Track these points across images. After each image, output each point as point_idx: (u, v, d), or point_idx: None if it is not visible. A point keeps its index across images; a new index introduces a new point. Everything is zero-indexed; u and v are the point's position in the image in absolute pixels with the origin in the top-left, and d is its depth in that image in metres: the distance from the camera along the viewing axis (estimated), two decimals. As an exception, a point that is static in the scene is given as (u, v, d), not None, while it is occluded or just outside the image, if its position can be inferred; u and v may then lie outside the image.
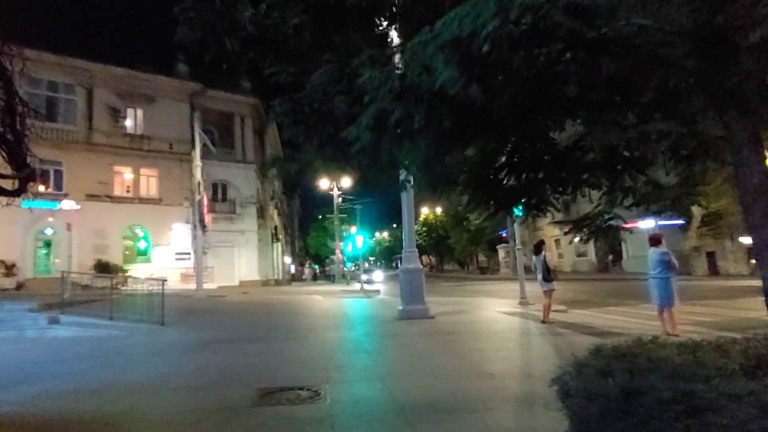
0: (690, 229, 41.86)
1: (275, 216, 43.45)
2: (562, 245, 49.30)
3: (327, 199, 41.07)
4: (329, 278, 50.51)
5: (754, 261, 37.21)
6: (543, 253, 10.03)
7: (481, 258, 58.98)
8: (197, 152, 18.97)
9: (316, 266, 71.94)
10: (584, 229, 4.52)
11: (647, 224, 42.92)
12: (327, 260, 60.71)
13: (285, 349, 7.45)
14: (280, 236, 45.69)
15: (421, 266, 11.52)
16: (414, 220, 11.84)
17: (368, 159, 3.30)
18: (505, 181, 3.90)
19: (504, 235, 51.86)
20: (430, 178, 3.70)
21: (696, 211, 40.93)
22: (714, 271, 39.91)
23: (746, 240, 39.35)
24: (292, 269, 59.17)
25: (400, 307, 11.14)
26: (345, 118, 2.97)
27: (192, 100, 31.08)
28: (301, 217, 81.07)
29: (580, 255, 48.08)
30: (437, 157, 3.25)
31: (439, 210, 66.50)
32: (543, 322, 9.86)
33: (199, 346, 7.83)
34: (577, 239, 4.78)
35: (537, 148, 3.59)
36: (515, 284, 32.10)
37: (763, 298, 2.99)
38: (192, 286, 22.05)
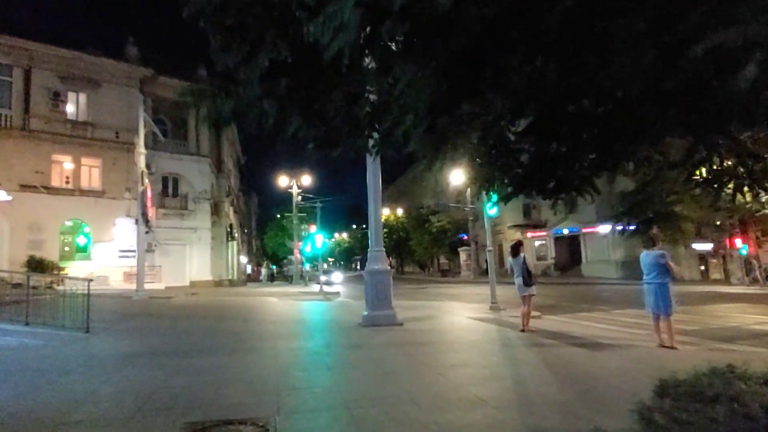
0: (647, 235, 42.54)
1: (231, 213, 41.52)
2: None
3: (286, 197, 39.52)
4: (287, 279, 48.82)
5: (702, 268, 38.07)
6: (522, 254, 9.14)
7: (443, 260, 58.57)
8: (141, 138, 17.29)
9: (274, 267, 69.87)
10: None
11: (605, 229, 43.54)
12: (285, 260, 58.86)
13: (230, 365, 6.22)
14: (236, 234, 43.73)
15: (389, 267, 10.45)
16: (381, 218, 10.76)
17: (342, 97, 2.21)
18: (533, 149, 2.85)
19: (465, 237, 51.61)
20: (430, 137, 2.59)
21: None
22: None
23: (699, 247, 40.39)
24: (249, 269, 57.07)
25: (365, 313, 10.03)
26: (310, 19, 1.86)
27: (142, 87, 29.03)
28: (259, 215, 78.71)
29: (539, 259, 48.17)
30: (450, 101, 2.19)
31: (400, 211, 65.79)
32: (522, 330, 8.97)
33: (125, 360, 6.48)
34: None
35: (592, 92, 2.47)
36: (478, 287, 31.67)
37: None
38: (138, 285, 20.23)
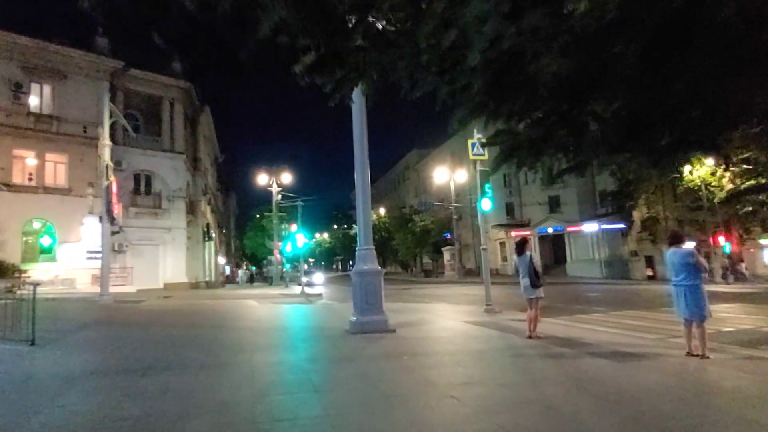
0: (630, 234, 42.46)
1: (208, 212, 40.06)
2: (507, 248, 48.85)
3: (266, 196, 38.28)
4: (267, 280, 47.46)
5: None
6: (528, 253, 8.25)
7: (426, 260, 57.82)
8: (105, 128, 15.99)
9: (254, 267, 68.25)
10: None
11: (591, 228, 43.26)
12: (265, 261, 57.38)
13: (197, 386, 5.18)
14: (214, 234, 42.22)
15: (380, 268, 9.48)
16: (370, 210, 9.78)
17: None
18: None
19: (449, 237, 50.96)
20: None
21: (636, 215, 41.63)
22: (652, 275, 40.59)
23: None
24: (227, 270, 55.50)
25: (353, 318, 9.04)
26: None
27: (113, 80, 27.53)
28: (238, 215, 76.90)
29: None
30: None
31: (382, 211, 64.96)
32: (529, 337, 8.08)
33: (69, 381, 5.39)
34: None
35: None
36: (464, 288, 30.86)
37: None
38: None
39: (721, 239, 34.88)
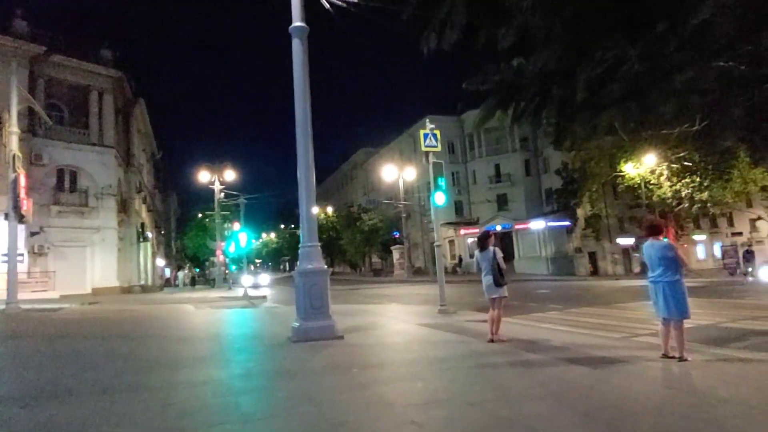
0: (575, 231, 43.39)
1: (143, 211, 37.60)
2: (457, 246, 48.86)
3: (208, 195, 36.32)
4: (209, 283, 45.22)
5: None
6: (491, 248, 7.51)
7: (375, 259, 57.09)
8: (13, 113, 14.09)
9: (198, 270, 65.23)
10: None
11: (538, 225, 43.87)
12: (207, 262, 54.82)
13: (89, 420, 4.05)
14: (150, 235, 39.69)
15: (325, 267, 8.51)
16: (314, 200, 8.77)
17: None
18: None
19: (398, 235, 50.42)
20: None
21: (580, 213, 42.58)
22: (595, 271, 41.63)
23: (623, 241, 41.60)
24: (167, 273, 52.62)
25: (296, 324, 8.01)
26: None
27: (32, 66, 25.08)
28: (179, 215, 73.38)
29: (472, 256, 47.91)
30: None
31: (330, 210, 63.75)
32: (491, 340, 7.35)
33: None
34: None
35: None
36: (414, 287, 30.20)
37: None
38: (24, 295, 16.84)
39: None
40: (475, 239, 8.21)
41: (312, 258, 8.22)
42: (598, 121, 4.91)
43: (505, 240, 46.49)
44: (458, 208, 51.42)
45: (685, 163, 33.08)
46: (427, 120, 12.57)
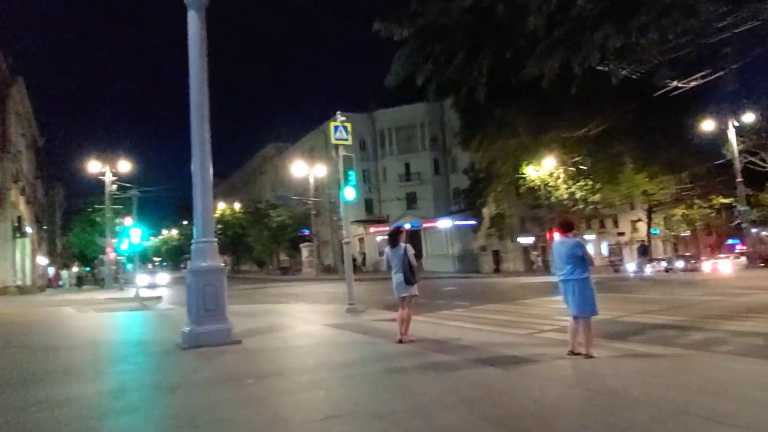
0: (480, 230, 44.99)
1: (21, 204, 33.52)
2: (367, 244, 48.84)
3: (98, 187, 33.16)
4: (98, 283, 41.43)
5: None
6: (403, 245, 7.16)
7: (283, 257, 55.58)
8: None
9: (88, 269, 59.62)
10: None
11: (445, 224, 44.94)
12: (96, 261, 50.22)
13: None
14: (29, 230, 35.46)
15: (222, 265, 7.73)
16: (212, 200, 7.94)
17: None
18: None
19: (307, 233, 49.36)
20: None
21: (486, 212, 44.24)
22: (498, 268, 43.50)
23: (524, 240, 43.80)
24: (50, 272, 47.54)
25: (186, 329, 7.16)
26: None
27: None
28: (66, 209, 66.60)
29: (382, 254, 48.12)
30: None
31: (237, 206, 61.26)
32: (400, 341, 7.00)
33: None
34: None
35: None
36: (323, 285, 29.55)
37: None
38: None
39: (556, 235, 38.22)
40: (386, 236, 7.86)
41: (206, 255, 7.40)
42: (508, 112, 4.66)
43: (414, 238, 47.23)
44: (368, 205, 51.43)
45: (580, 167, 35.44)
46: (338, 113, 12.06)
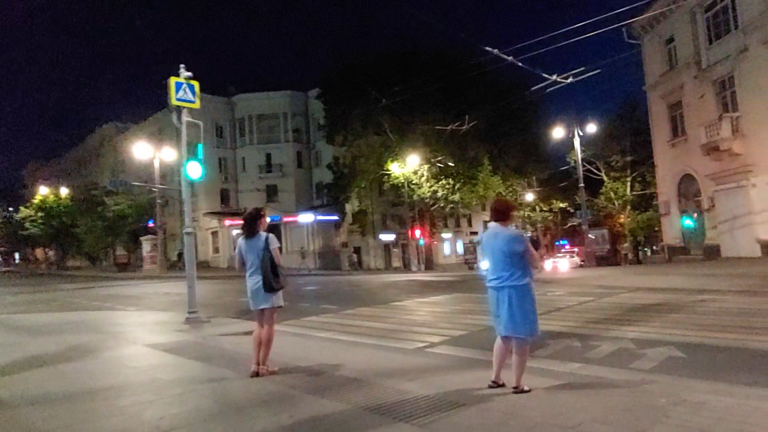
0: (343, 226, 43.67)
1: None
2: (221, 238, 44.69)
3: None
4: None
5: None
6: (263, 235, 5.04)
7: (120, 252, 48.65)
8: None
9: None
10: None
11: (307, 218, 42.78)
12: None
13: None
14: None
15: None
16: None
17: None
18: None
19: (151, 225, 43.54)
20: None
21: (349, 208, 43.02)
22: (359, 265, 42.59)
23: (385, 237, 43.49)
24: None
25: None
26: None
27: None
28: None
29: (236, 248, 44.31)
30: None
31: (64, 191, 52.48)
32: (257, 373, 4.87)
33: None
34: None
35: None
36: (166, 285, 24.99)
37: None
38: None
39: (417, 232, 38.24)
40: (240, 228, 5.64)
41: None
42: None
43: (274, 233, 44.35)
44: (224, 196, 47.37)
45: (441, 166, 35.93)
46: (182, 67, 9.40)
